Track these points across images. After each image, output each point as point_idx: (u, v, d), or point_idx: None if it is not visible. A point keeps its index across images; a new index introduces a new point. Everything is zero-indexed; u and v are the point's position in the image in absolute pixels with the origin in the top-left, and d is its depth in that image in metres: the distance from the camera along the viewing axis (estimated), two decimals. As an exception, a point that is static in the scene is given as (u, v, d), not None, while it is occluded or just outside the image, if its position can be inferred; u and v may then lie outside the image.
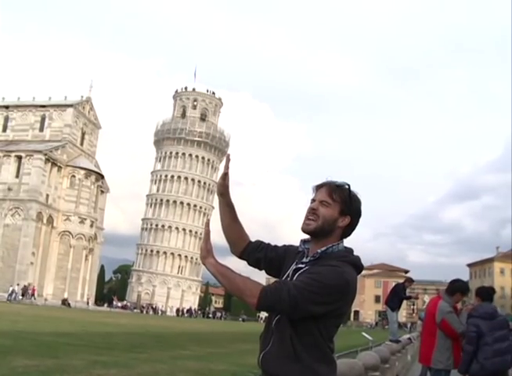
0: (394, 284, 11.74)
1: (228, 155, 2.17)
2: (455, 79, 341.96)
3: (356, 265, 2.06)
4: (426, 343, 6.22)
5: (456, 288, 6.10)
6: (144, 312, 69.39)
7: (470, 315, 5.64)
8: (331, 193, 2.06)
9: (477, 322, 5.47)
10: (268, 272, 2.28)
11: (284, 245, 2.30)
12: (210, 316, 79.27)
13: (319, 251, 2.05)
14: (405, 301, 12.21)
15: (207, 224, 2.08)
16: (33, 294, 54.71)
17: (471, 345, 5.43)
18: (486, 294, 5.83)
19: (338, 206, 2.06)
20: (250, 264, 2.30)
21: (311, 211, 2.07)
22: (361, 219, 2.13)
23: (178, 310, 74.96)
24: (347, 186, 2.08)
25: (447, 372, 5.96)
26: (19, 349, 10.75)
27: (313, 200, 2.11)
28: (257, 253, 2.26)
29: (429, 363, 6.13)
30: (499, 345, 5.36)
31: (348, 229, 2.11)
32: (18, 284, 52.71)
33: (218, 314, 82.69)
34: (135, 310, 69.62)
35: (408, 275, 71.70)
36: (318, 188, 2.12)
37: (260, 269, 2.30)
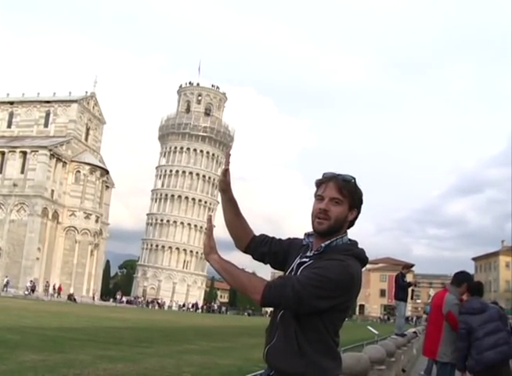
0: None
1: (228, 151, 2.17)
2: (459, 74, 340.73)
3: (361, 258, 2.04)
4: (431, 336, 6.21)
5: (463, 278, 6.09)
6: (149, 306, 69.64)
7: (460, 312, 5.67)
8: (340, 189, 2.03)
9: (466, 318, 5.51)
10: (273, 266, 2.28)
11: (289, 239, 2.29)
12: (216, 309, 79.44)
13: (322, 244, 2.03)
14: (409, 295, 12.14)
15: (209, 220, 2.07)
16: (59, 293, 54.99)
17: (463, 341, 5.50)
18: (474, 289, 5.87)
19: (348, 201, 2.04)
20: (255, 258, 2.29)
21: (323, 212, 2.03)
22: (365, 214, 2.11)
23: (183, 305, 75.20)
24: (353, 180, 2.07)
25: (453, 365, 5.95)
26: (26, 344, 10.82)
27: (320, 196, 2.06)
28: (262, 247, 2.25)
29: (434, 356, 6.13)
30: (492, 338, 5.36)
31: (353, 221, 2.10)
32: (31, 281, 53.18)
33: (224, 308, 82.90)
34: (140, 305, 69.84)
35: (413, 269, 71.66)
36: (322, 183, 2.08)
37: (265, 264, 2.29)
